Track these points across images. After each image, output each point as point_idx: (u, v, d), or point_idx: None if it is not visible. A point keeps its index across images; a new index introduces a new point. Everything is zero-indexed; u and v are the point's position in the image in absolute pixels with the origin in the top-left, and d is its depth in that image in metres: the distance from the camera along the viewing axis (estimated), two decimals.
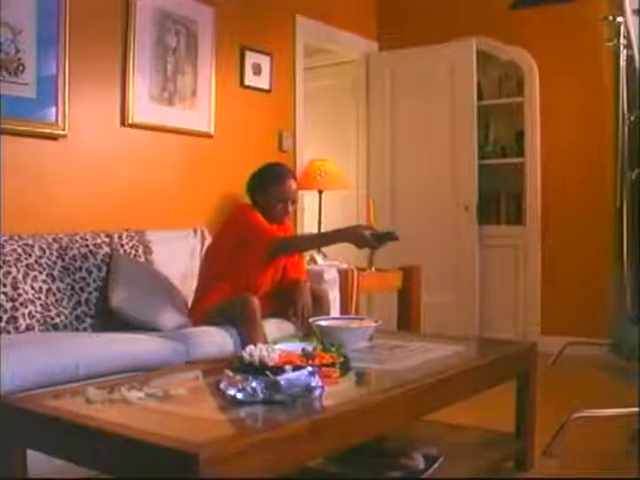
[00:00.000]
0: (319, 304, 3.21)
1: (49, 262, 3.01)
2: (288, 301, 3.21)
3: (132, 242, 3.38)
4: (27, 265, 2.91)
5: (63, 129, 3.38)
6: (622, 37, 3.40)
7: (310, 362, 1.98)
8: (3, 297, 2.76)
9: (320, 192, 4.64)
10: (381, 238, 2.95)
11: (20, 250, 2.93)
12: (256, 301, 2.96)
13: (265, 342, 2.58)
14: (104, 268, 3.17)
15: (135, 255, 3.36)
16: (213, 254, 3.29)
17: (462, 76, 5.07)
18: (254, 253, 3.10)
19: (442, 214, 5.14)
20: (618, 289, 3.65)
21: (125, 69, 3.68)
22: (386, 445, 2.35)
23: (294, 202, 3.27)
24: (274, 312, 3.20)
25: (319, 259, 4.34)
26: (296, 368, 1.86)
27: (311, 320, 2.60)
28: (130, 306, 3.02)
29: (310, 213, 4.87)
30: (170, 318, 3.08)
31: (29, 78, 3.23)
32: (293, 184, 3.25)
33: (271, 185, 3.20)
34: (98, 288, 3.12)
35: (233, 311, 2.98)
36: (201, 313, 3.12)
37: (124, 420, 1.63)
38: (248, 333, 2.87)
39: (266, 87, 4.53)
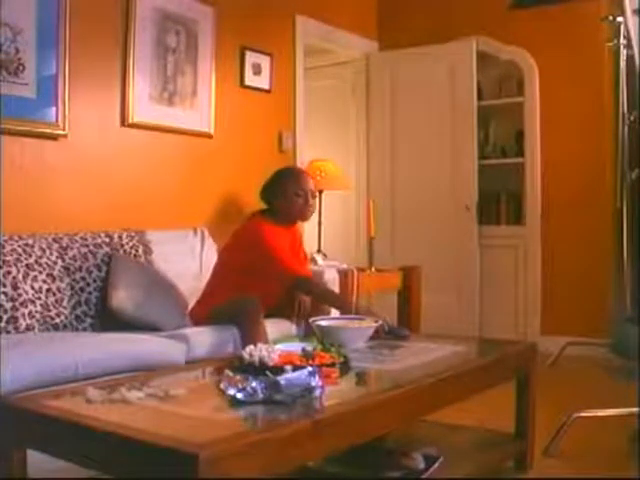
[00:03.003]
0: (319, 304, 3.21)
1: (49, 262, 3.01)
2: (288, 300, 3.22)
3: (132, 242, 3.38)
4: (27, 265, 2.91)
5: (63, 129, 3.38)
6: (622, 37, 3.39)
7: (310, 362, 1.98)
8: (3, 297, 2.76)
9: (320, 192, 4.64)
10: (390, 332, 2.73)
11: (20, 250, 2.93)
12: (258, 301, 2.97)
13: (266, 342, 2.58)
14: (104, 268, 3.17)
15: (135, 255, 3.36)
16: (229, 263, 3.25)
17: (462, 76, 5.07)
18: (269, 281, 3.11)
19: (442, 214, 5.14)
20: (618, 289, 3.65)
21: (125, 69, 3.68)
22: (386, 445, 2.34)
23: (313, 197, 3.28)
24: (274, 311, 3.20)
25: (319, 259, 4.34)
26: (296, 368, 1.86)
27: (311, 320, 2.60)
28: (130, 306, 3.01)
29: None
30: (170, 318, 3.08)
31: (29, 78, 3.23)
32: (309, 179, 3.29)
33: (288, 181, 3.23)
34: (98, 288, 3.11)
35: (235, 310, 2.98)
36: (204, 312, 3.13)
37: (124, 420, 1.62)
38: (250, 332, 2.88)
39: (266, 87, 4.53)
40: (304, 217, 3.31)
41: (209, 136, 4.15)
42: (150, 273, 3.31)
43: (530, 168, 4.98)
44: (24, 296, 2.83)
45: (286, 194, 3.21)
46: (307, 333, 3.05)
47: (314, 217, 4.68)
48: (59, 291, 2.98)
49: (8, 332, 2.73)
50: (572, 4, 4.13)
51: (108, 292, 3.06)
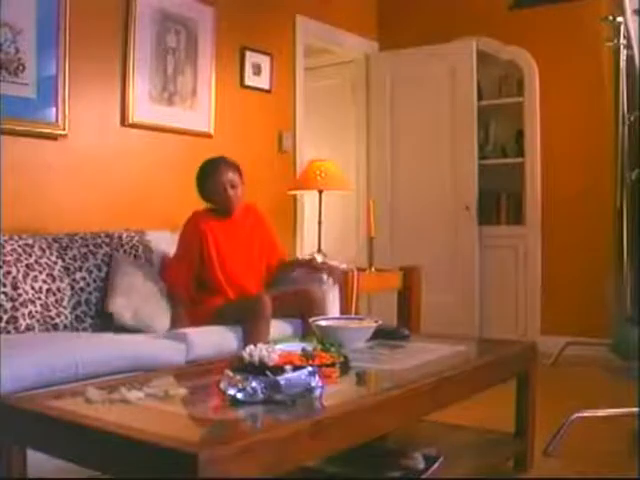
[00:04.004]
0: (313, 307, 3.18)
1: (49, 262, 3.01)
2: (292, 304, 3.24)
3: (132, 242, 3.38)
4: (27, 265, 2.91)
5: (63, 129, 3.38)
6: (622, 37, 3.40)
7: (310, 362, 1.98)
8: (3, 297, 2.76)
9: (320, 192, 4.63)
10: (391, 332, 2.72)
11: (20, 250, 2.93)
12: (269, 300, 3.00)
13: (265, 342, 2.58)
14: (104, 268, 3.17)
15: (135, 255, 3.35)
16: None
17: (462, 76, 5.07)
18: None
19: (442, 214, 5.14)
20: (618, 289, 3.65)
21: (125, 69, 3.68)
22: (386, 445, 2.34)
23: (233, 187, 3.28)
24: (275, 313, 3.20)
25: (319, 259, 4.34)
26: (296, 368, 1.86)
27: (311, 320, 2.60)
28: (127, 312, 2.99)
29: (310, 213, 4.86)
30: (167, 322, 3.08)
31: (29, 78, 3.23)
32: (226, 170, 3.28)
33: (205, 181, 3.30)
34: (98, 288, 3.11)
35: (245, 309, 3.00)
36: (205, 313, 3.12)
37: (124, 420, 1.62)
38: (258, 330, 2.89)
39: (266, 87, 4.53)
40: (229, 208, 3.31)
41: (209, 136, 4.15)
42: (150, 276, 3.28)
43: (530, 168, 4.98)
44: (24, 296, 2.83)
45: (209, 193, 3.30)
46: (304, 333, 3.04)
47: (314, 217, 4.69)
48: (59, 291, 2.98)
49: (8, 332, 2.73)
50: (572, 4, 4.13)
51: (106, 297, 3.05)
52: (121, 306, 3.01)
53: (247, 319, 2.97)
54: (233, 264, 3.30)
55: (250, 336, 2.88)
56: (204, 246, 3.25)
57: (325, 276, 3.58)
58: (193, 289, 3.26)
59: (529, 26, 4.82)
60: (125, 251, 3.31)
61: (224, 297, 3.23)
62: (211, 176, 3.28)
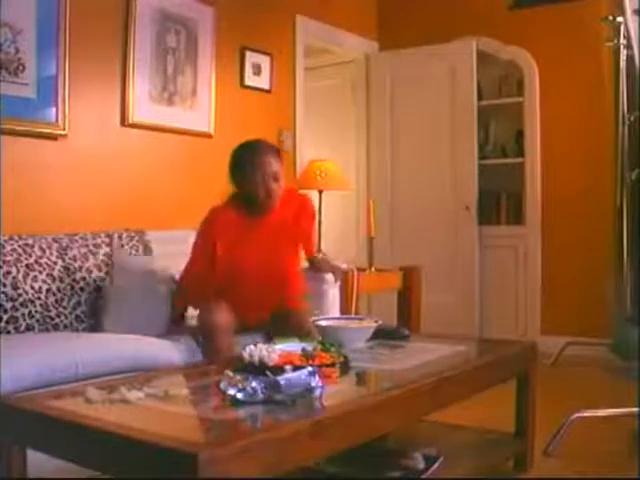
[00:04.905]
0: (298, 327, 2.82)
1: (49, 262, 3.01)
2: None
3: (132, 242, 3.38)
4: (27, 265, 2.91)
5: (63, 129, 3.38)
6: (622, 37, 3.40)
7: (310, 362, 1.98)
8: (3, 297, 2.76)
9: (320, 192, 4.63)
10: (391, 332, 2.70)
11: (20, 250, 2.93)
12: (220, 315, 2.73)
13: (224, 359, 2.28)
14: (104, 268, 3.17)
15: (135, 256, 3.35)
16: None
17: (462, 76, 5.07)
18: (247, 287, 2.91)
19: (442, 214, 5.14)
20: (618, 289, 3.65)
21: (125, 69, 3.68)
22: (386, 445, 2.34)
23: (276, 179, 2.82)
24: (261, 324, 2.97)
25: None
26: (296, 368, 1.86)
27: (312, 320, 2.60)
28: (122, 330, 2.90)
29: None
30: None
31: (29, 78, 3.23)
32: (270, 160, 2.82)
33: (244, 168, 2.81)
34: (98, 288, 3.11)
35: (199, 321, 2.79)
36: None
37: (124, 420, 1.63)
38: (206, 345, 2.71)
39: (266, 87, 4.54)
40: (269, 204, 2.84)
41: (209, 136, 4.15)
42: (149, 287, 3.09)
43: (530, 168, 4.98)
44: (24, 296, 2.83)
45: (247, 182, 2.82)
46: None
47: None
48: (59, 291, 2.98)
49: (8, 332, 2.73)
50: (572, 4, 4.13)
51: (101, 317, 2.99)
52: (116, 327, 2.92)
53: (201, 333, 2.76)
54: (248, 275, 2.90)
55: (203, 351, 2.72)
56: (215, 251, 2.89)
57: (326, 275, 3.57)
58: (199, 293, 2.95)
59: (529, 26, 4.82)
60: (125, 251, 3.31)
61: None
62: (249, 166, 2.78)
